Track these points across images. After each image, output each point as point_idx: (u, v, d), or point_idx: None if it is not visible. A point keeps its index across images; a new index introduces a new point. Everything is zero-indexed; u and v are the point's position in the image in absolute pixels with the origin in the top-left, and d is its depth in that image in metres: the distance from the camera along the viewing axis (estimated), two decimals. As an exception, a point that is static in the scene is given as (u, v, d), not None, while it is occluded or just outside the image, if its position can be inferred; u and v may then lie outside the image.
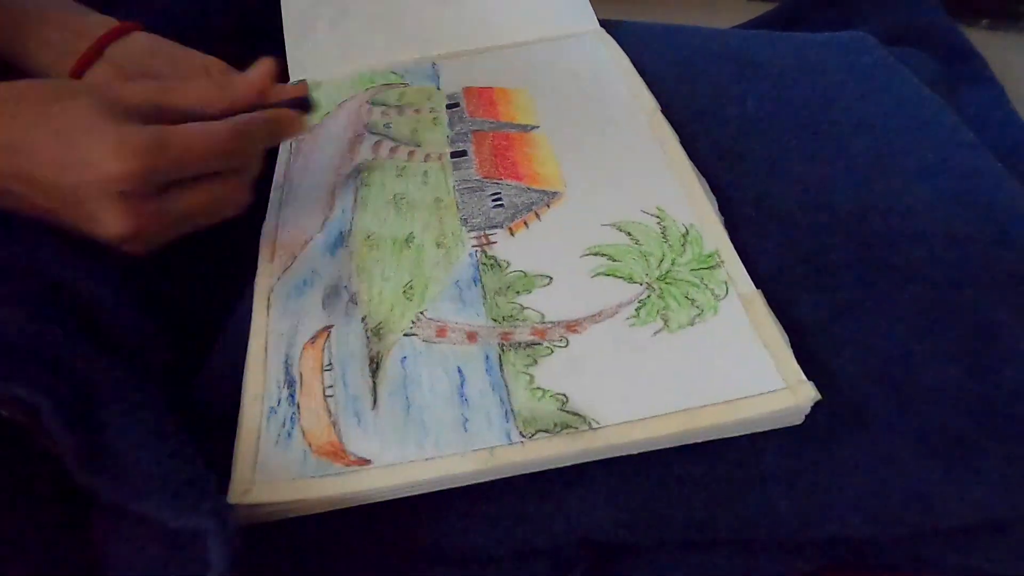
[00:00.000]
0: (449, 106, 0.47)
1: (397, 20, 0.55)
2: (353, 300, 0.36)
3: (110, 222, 0.31)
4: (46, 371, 0.28)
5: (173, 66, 0.44)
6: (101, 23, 0.44)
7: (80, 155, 0.30)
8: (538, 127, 0.45)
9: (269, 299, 0.37)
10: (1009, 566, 0.31)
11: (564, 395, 0.31)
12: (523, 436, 0.30)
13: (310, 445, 0.30)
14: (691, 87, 0.47)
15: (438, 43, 0.53)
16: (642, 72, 0.48)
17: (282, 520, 0.30)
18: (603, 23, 0.54)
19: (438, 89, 0.49)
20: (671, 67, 0.49)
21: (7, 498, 0.27)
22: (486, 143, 0.44)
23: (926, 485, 0.31)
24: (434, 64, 0.52)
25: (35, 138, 0.31)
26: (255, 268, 0.41)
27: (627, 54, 0.50)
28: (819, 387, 0.30)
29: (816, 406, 0.31)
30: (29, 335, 0.30)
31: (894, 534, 0.31)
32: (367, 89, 0.50)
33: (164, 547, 0.26)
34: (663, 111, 0.45)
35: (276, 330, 0.35)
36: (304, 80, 0.51)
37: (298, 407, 0.32)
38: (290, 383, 0.33)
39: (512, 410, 0.31)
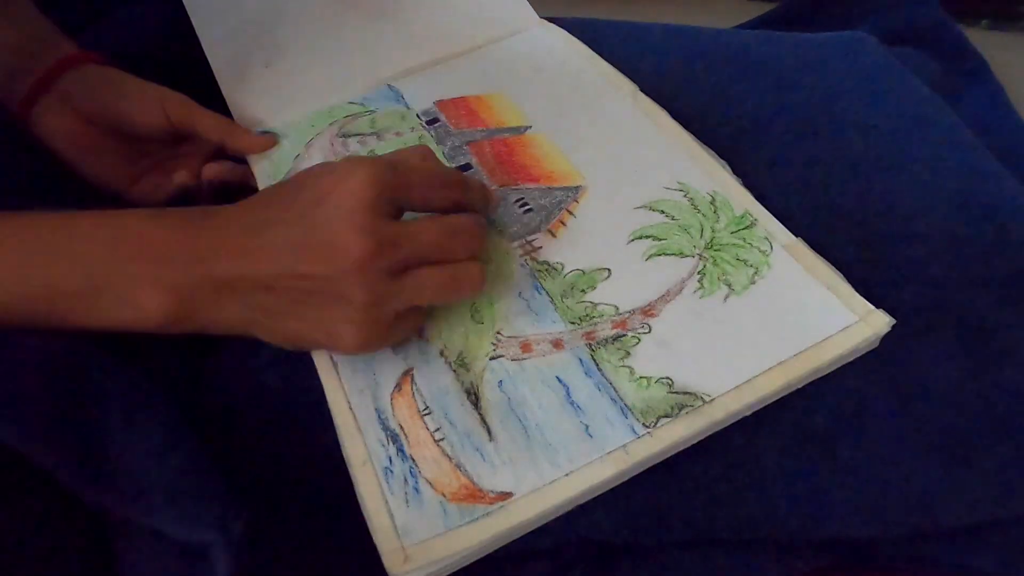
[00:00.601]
0: (429, 122, 0.46)
1: (337, 49, 0.52)
2: (423, 336, 0.34)
3: (355, 299, 0.30)
4: (39, 406, 0.27)
5: (125, 99, 0.42)
6: (55, 49, 0.43)
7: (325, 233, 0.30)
8: (531, 127, 0.44)
9: (332, 358, 0.34)
10: (1009, 566, 0.31)
11: (668, 378, 0.31)
12: (647, 427, 0.30)
13: (444, 495, 0.29)
14: (691, 88, 0.47)
15: (384, 65, 0.51)
16: (642, 73, 0.48)
17: (277, 521, 0.30)
18: (604, 23, 0.54)
19: (408, 108, 0.48)
20: (671, 68, 0.49)
21: (26, 512, 0.27)
22: (486, 152, 0.44)
23: (926, 485, 0.31)
24: (390, 86, 0.50)
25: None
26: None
27: (627, 54, 0.50)
28: (820, 387, 0.30)
29: (816, 406, 0.31)
30: (31, 354, 0.29)
31: (894, 534, 0.31)
32: (330, 124, 0.48)
33: (175, 560, 0.26)
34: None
35: (354, 388, 0.33)
36: (270, 131, 0.48)
37: (413, 460, 0.31)
38: (393, 438, 0.31)
39: (626, 405, 0.31)
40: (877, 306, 0.32)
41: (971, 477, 0.31)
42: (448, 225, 0.32)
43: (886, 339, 0.32)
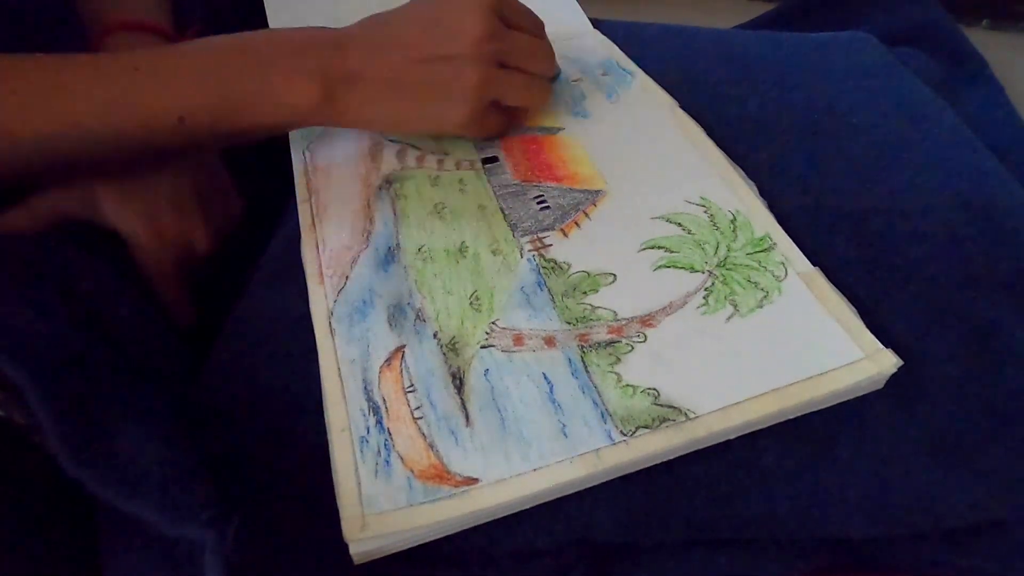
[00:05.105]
0: None
1: None
2: (420, 316, 0.35)
3: (469, 77, 0.38)
4: (40, 353, 0.27)
5: None
6: (114, 9, 0.45)
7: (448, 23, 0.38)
8: (563, 129, 0.44)
9: (331, 324, 0.35)
10: (1009, 566, 0.31)
11: (655, 389, 0.31)
12: (624, 435, 0.30)
13: (412, 471, 0.30)
14: (691, 88, 0.47)
15: None
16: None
17: (270, 522, 0.30)
18: (604, 23, 0.55)
19: None
20: (671, 68, 0.49)
21: (5, 503, 0.27)
22: (515, 147, 0.44)
23: (926, 485, 0.31)
24: None
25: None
26: (254, 268, 0.41)
27: (627, 55, 0.50)
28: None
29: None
30: (36, 325, 0.29)
31: (894, 534, 0.31)
32: None
33: (161, 562, 0.26)
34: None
35: (346, 356, 0.34)
36: None
37: (389, 433, 0.31)
38: (375, 409, 0.32)
39: (607, 410, 0.31)
40: (877, 307, 0.32)
41: (971, 477, 0.31)
42: (537, 40, 0.41)
43: (887, 338, 0.32)
